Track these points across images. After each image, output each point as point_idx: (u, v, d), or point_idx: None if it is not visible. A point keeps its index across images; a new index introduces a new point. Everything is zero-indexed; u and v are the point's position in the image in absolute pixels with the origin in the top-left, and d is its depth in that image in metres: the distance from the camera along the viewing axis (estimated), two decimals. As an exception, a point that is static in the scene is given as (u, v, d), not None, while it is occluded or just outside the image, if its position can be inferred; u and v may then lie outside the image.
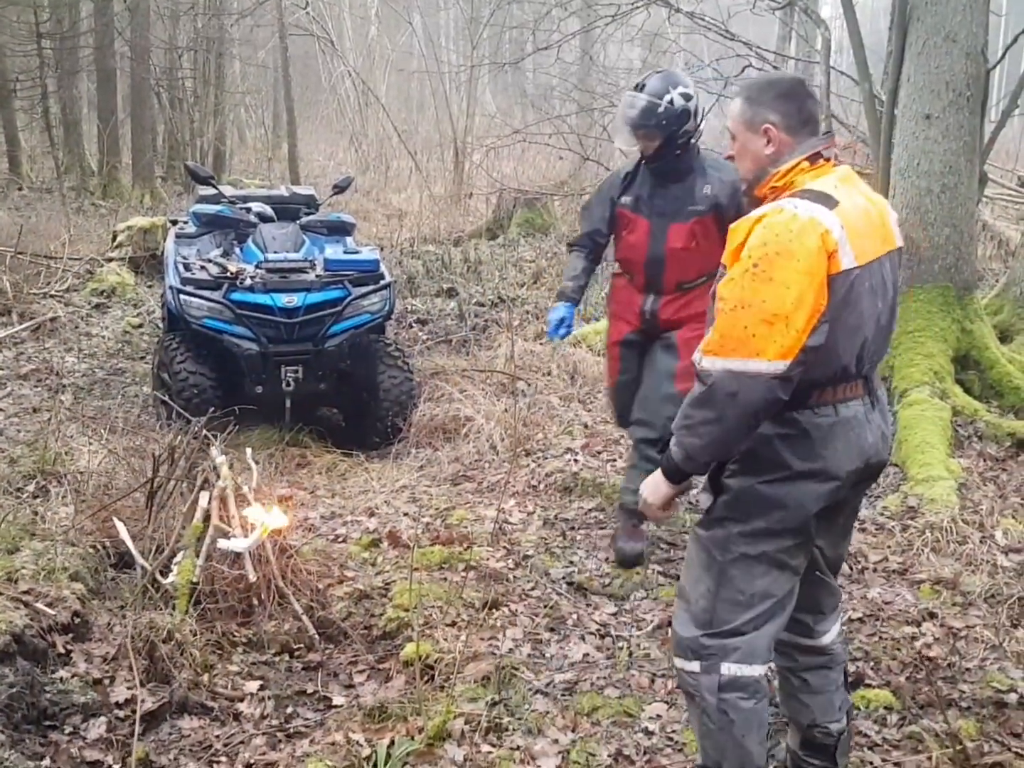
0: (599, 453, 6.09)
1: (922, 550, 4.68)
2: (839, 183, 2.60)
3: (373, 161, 19.79)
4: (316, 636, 4.03)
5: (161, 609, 3.90)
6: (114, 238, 11.52)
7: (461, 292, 10.84)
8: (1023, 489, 5.29)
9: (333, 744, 3.30)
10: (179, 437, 4.82)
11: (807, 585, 2.78)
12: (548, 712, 3.48)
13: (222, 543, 4.11)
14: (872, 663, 3.81)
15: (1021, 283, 6.94)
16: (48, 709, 3.36)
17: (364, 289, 6.86)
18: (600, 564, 4.75)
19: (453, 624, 4.07)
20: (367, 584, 4.41)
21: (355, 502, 5.51)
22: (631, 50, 19.78)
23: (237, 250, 7.26)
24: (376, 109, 20.31)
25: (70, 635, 3.77)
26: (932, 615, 4.13)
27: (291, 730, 3.51)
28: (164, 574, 4.10)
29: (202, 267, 6.83)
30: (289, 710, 3.63)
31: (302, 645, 4.01)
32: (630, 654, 3.89)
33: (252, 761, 3.31)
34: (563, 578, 4.59)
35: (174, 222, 8.27)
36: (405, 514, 5.26)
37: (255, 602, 4.10)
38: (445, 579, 4.47)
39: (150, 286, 10.60)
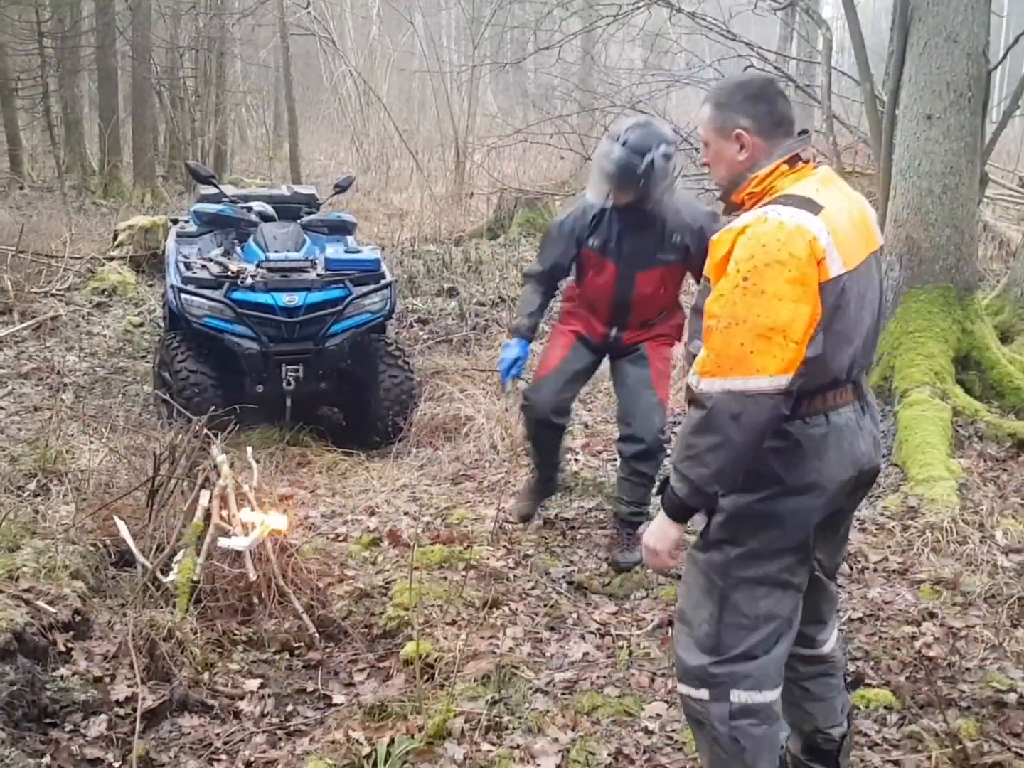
0: (599, 452, 6.09)
1: (922, 550, 4.68)
2: (820, 186, 2.51)
3: (374, 161, 19.79)
4: (316, 634, 4.03)
5: (162, 607, 3.91)
6: (115, 237, 11.52)
7: (462, 292, 10.84)
8: (1023, 489, 5.29)
9: (333, 742, 3.31)
10: (180, 436, 4.83)
11: (807, 595, 2.71)
12: (548, 711, 3.48)
13: (222, 541, 4.12)
14: (872, 663, 3.81)
15: (1022, 284, 6.94)
16: (49, 707, 3.37)
17: (365, 288, 6.87)
18: (600, 563, 4.75)
19: (453, 623, 4.08)
20: (367, 583, 4.42)
21: (355, 501, 5.51)
22: (632, 50, 19.82)
23: (238, 249, 7.27)
24: (377, 109, 20.30)
25: (71, 633, 3.77)
26: (932, 615, 4.13)
27: (291, 728, 3.51)
28: (165, 572, 4.11)
29: (203, 266, 6.83)
30: (289, 708, 3.64)
31: (302, 643, 4.01)
32: (630, 653, 3.89)
33: (252, 759, 3.31)
34: (563, 577, 4.60)
35: (175, 221, 8.28)
36: (405, 513, 5.27)
37: (255, 600, 4.11)
38: (445, 578, 4.48)
39: (151, 285, 10.60)
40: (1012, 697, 3.54)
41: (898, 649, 3.89)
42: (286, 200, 8.29)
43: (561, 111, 13.43)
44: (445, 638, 3.92)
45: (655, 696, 3.63)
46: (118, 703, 3.48)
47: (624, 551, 4.70)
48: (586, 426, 6.54)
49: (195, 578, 4.02)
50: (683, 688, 2.66)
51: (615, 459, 5.92)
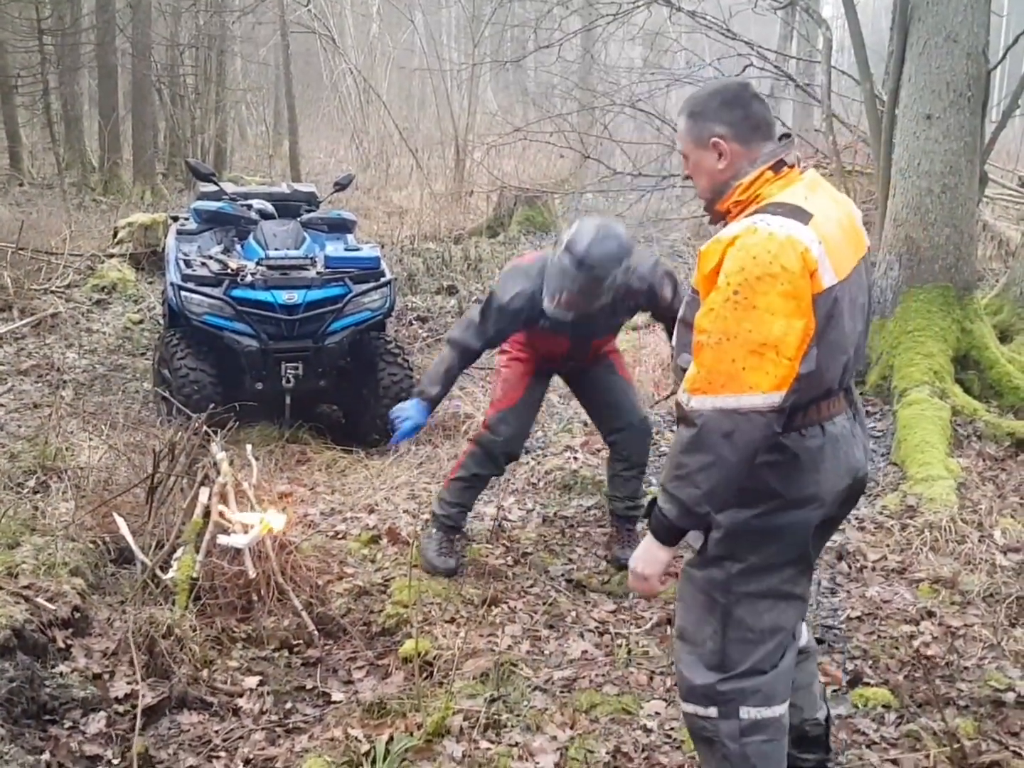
0: (598, 451, 6.09)
1: (921, 549, 4.69)
2: (808, 192, 2.44)
3: (374, 159, 19.79)
4: (315, 632, 4.03)
5: (161, 604, 3.91)
6: (115, 234, 11.52)
7: (461, 290, 10.85)
8: (1022, 489, 5.30)
9: (332, 740, 3.31)
10: (179, 433, 4.83)
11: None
12: (547, 709, 3.49)
13: (222, 539, 4.12)
14: (870, 661, 3.81)
15: (1021, 283, 6.95)
16: (48, 704, 3.37)
17: (365, 286, 6.88)
18: (599, 561, 4.75)
19: (452, 621, 4.08)
20: (366, 580, 4.42)
21: (355, 499, 5.52)
22: (632, 49, 19.79)
23: (238, 247, 7.28)
24: (377, 106, 20.30)
25: (70, 630, 3.78)
26: (931, 614, 4.14)
27: (290, 725, 3.52)
28: (164, 570, 4.11)
29: (203, 264, 6.83)
30: (288, 706, 3.64)
31: (301, 641, 4.01)
32: (629, 651, 3.90)
33: (251, 756, 3.31)
34: (562, 575, 4.60)
35: (175, 218, 8.28)
36: (405, 511, 5.27)
37: (255, 598, 4.11)
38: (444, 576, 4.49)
39: (151, 282, 10.60)
40: (1010, 696, 3.54)
41: (896, 648, 3.90)
42: (286, 198, 8.29)
43: (561, 109, 13.43)
44: (444, 636, 3.93)
45: (654, 694, 3.63)
46: (117, 700, 3.49)
47: (624, 547, 4.70)
48: (585, 424, 6.53)
49: (195, 575, 4.03)
50: (689, 707, 2.61)
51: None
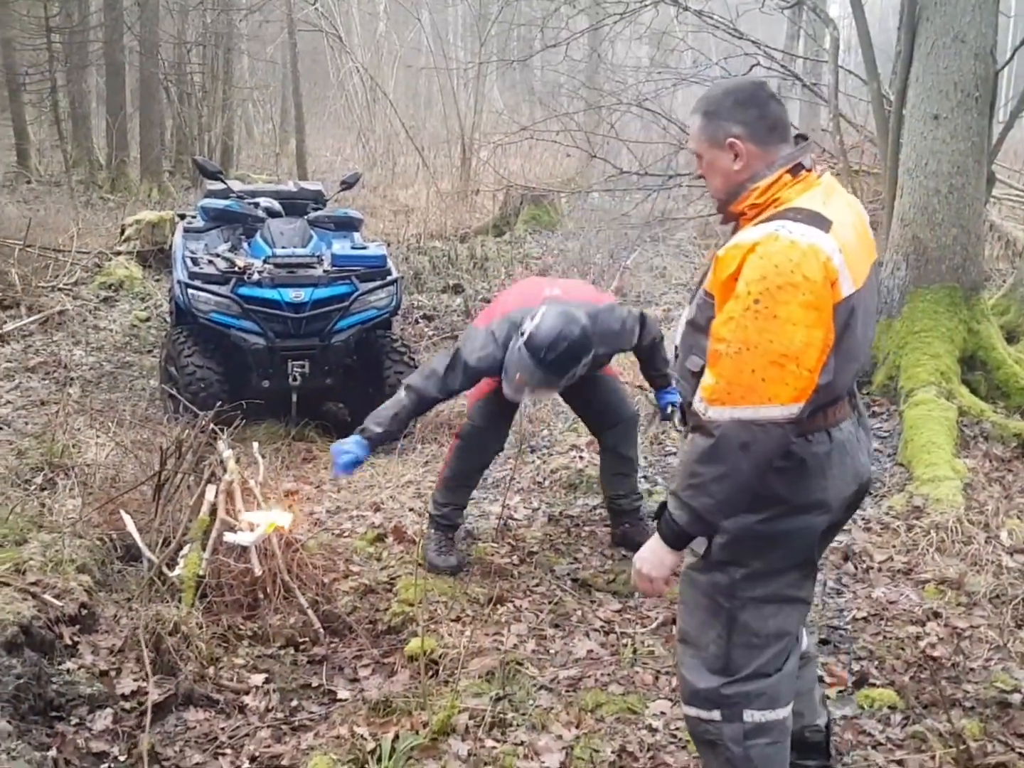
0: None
1: (927, 550, 4.68)
2: (826, 197, 2.40)
3: (380, 157, 19.79)
4: (321, 630, 4.04)
5: (167, 602, 3.92)
6: (122, 232, 11.56)
7: (467, 288, 10.86)
8: (1028, 490, 5.29)
9: (338, 737, 3.31)
10: (186, 431, 4.84)
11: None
12: (552, 708, 3.49)
13: (228, 537, 4.13)
14: (876, 662, 3.81)
15: (1028, 284, 6.94)
16: (55, 700, 3.38)
17: (371, 285, 6.89)
18: (605, 561, 4.75)
19: (458, 619, 4.08)
20: (372, 579, 4.42)
21: (360, 497, 5.52)
22: (639, 48, 19.76)
23: (245, 245, 7.29)
24: (384, 105, 20.32)
25: (77, 627, 3.79)
26: (936, 615, 4.13)
27: (296, 723, 3.52)
28: (171, 567, 4.12)
29: (210, 262, 6.85)
30: (294, 703, 3.65)
31: (307, 639, 4.02)
32: (634, 651, 3.90)
33: (257, 753, 3.32)
34: (568, 574, 4.60)
35: (182, 216, 8.30)
36: (410, 509, 5.27)
37: (261, 596, 4.12)
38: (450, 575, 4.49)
39: (158, 280, 10.62)
40: (1016, 697, 3.54)
41: (902, 649, 3.89)
42: (293, 196, 8.30)
43: (567, 108, 13.40)
44: (450, 634, 3.93)
45: (659, 694, 3.63)
46: (124, 697, 3.50)
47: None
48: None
49: (201, 573, 4.04)
50: (692, 710, 2.59)
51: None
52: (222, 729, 3.46)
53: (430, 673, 3.69)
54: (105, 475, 5.16)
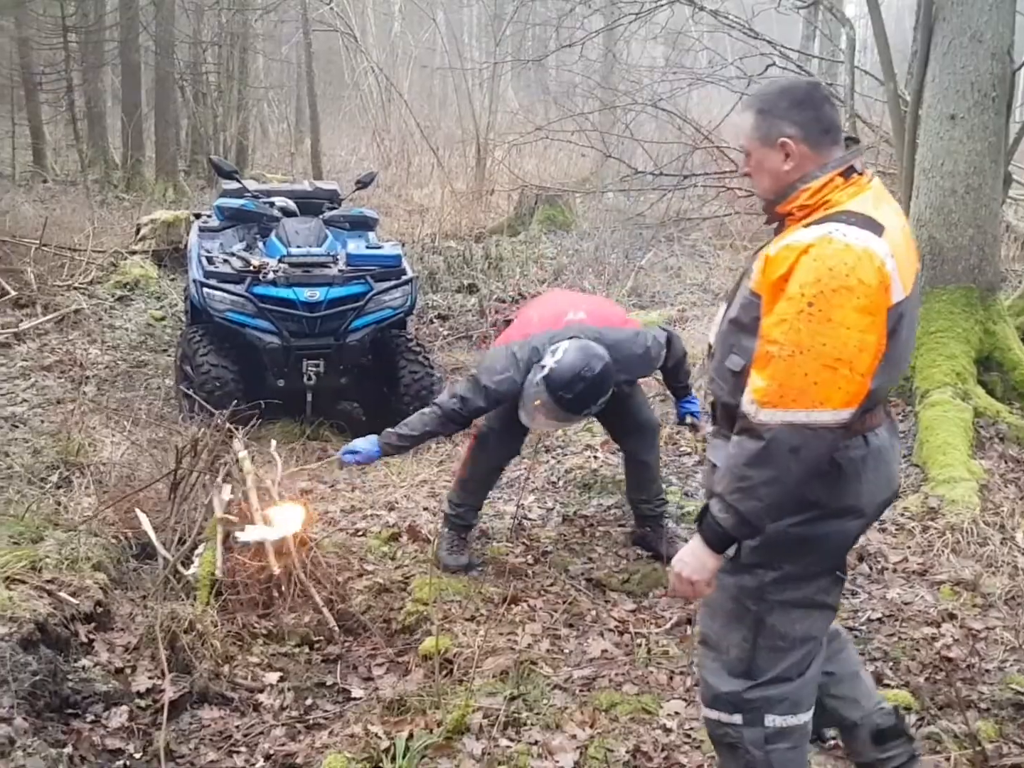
0: (618, 450, 6.07)
1: (942, 551, 4.67)
2: (876, 202, 2.38)
3: (395, 157, 19.80)
4: (336, 629, 4.05)
5: (183, 600, 3.93)
6: (137, 231, 11.60)
7: (482, 288, 10.86)
8: (1045, 491, 5.27)
9: (352, 736, 3.32)
10: (202, 429, 4.85)
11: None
12: (566, 707, 3.49)
13: (240, 536, 4.13)
14: (891, 663, 3.80)
15: (1045, 285, 6.90)
16: (70, 697, 3.40)
17: (386, 284, 6.91)
18: (619, 561, 4.75)
19: (472, 619, 4.09)
20: (386, 578, 4.43)
21: (375, 496, 5.53)
22: (654, 48, 19.73)
23: (260, 244, 7.31)
24: (399, 105, 20.33)
25: (93, 624, 3.81)
26: (952, 616, 4.12)
27: (310, 722, 3.53)
28: (186, 565, 4.13)
29: (225, 261, 6.87)
30: (308, 702, 3.66)
31: (322, 637, 4.03)
32: (648, 651, 3.89)
33: (272, 752, 3.33)
34: (582, 574, 4.60)
35: (198, 216, 8.33)
36: (425, 508, 5.28)
37: (276, 594, 4.13)
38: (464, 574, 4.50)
39: (173, 279, 10.65)
40: (1032, 699, 3.53)
41: (917, 650, 3.88)
42: (308, 195, 8.32)
43: (582, 108, 13.39)
44: (464, 634, 3.93)
45: (673, 694, 3.63)
46: (139, 694, 3.52)
47: (674, 546, 4.70)
48: (605, 424, 6.54)
49: (216, 572, 4.04)
50: (712, 713, 2.57)
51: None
52: (237, 727, 3.47)
53: (444, 672, 3.69)
54: (120, 473, 5.18)
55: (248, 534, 4.10)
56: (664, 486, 5.10)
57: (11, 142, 18.05)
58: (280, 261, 6.81)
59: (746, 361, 2.40)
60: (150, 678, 3.58)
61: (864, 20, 15.09)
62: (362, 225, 7.89)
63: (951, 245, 6.16)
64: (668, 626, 4.13)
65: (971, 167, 6.07)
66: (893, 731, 2.81)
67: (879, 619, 4.14)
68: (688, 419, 4.81)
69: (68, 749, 3.12)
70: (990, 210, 6.18)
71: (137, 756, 3.24)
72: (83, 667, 3.55)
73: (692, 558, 2.39)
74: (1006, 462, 5.53)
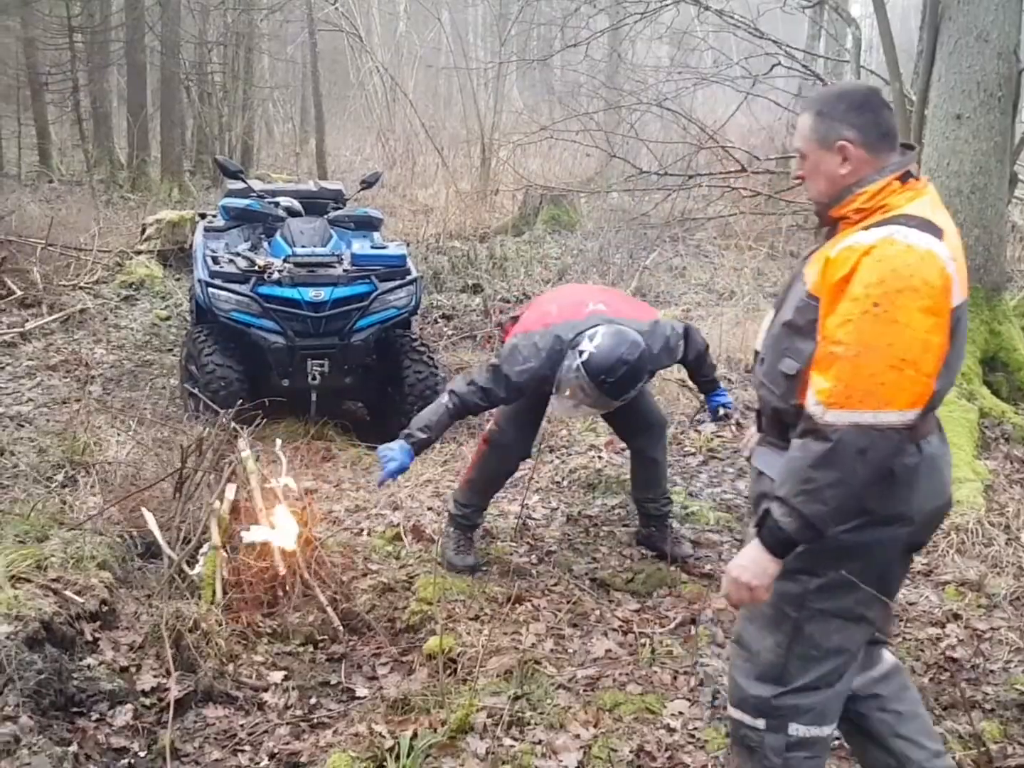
0: (623, 450, 6.07)
1: (947, 551, 4.66)
2: (933, 207, 2.39)
3: (400, 157, 19.81)
4: (340, 628, 4.05)
5: (187, 599, 3.93)
6: (143, 231, 11.61)
7: (487, 288, 10.86)
8: (1050, 492, 5.26)
9: (356, 735, 3.32)
10: (207, 429, 4.85)
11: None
12: (570, 707, 3.49)
13: (244, 535, 4.14)
14: (895, 663, 3.80)
15: (1050, 285, 6.90)
16: (76, 696, 3.40)
17: (391, 284, 6.90)
18: (623, 560, 4.75)
19: (476, 618, 4.09)
20: (391, 577, 4.43)
21: (379, 496, 5.53)
22: (659, 48, 19.76)
23: (265, 244, 7.31)
24: (404, 105, 20.32)
25: (98, 623, 3.82)
26: (957, 616, 4.12)
27: (315, 720, 3.54)
28: (191, 564, 4.14)
29: (230, 260, 6.87)
30: (313, 701, 3.66)
31: (326, 637, 4.04)
32: (652, 651, 3.89)
33: (276, 751, 3.33)
34: (586, 574, 4.60)
35: (203, 216, 8.32)
36: (429, 508, 5.28)
37: (280, 593, 4.13)
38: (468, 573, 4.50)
39: (178, 279, 10.67)
40: (1036, 700, 3.53)
41: (922, 650, 3.88)
42: (313, 195, 8.32)
43: (587, 108, 13.39)
44: (468, 633, 3.93)
45: (677, 694, 3.63)
46: (144, 693, 3.52)
47: (678, 546, 4.74)
48: (610, 423, 6.54)
49: (221, 572, 4.05)
50: (736, 713, 2.58)
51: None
52: (241, 726, 3.47)
53: (448, 671, 3.70)
54: (126, 473, 5.18)
55: (253, 534, 4.11)
56: (668, 486, 5.10)
57: (17, 142, 18.10)
58: (285, 261, 6.81)
59: (800, 364, 2.40)
60: (155, 677, 3.59)
61: (870, 20, 15.07)
62: (367, 225, 7.90)
63: (957, 245, 6.15)
64: (672, 626, 4.13)
65: (977, 167, 6.06)
66: None
67: (883, 619, 4.13)
68: (721, 411, 4.76)
69: (73, 747, 3.13)
70: (996, 210, 6.17)
71: (142, 754, 3.25)
72: (88, 666, 3.55)
73: (752, 563, 2.36)
74: (1011, 462, 5.53)
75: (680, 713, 3.49)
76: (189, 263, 9.36)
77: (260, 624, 4.01)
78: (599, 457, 5.92)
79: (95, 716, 3.37)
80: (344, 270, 6.85)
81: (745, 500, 5.36)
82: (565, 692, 3.59)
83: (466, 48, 22.57)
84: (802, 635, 2.46)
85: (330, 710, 3.62)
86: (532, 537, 4.99)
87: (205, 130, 19.44)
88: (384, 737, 3.27)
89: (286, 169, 19.91)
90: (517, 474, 5.70)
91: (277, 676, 3.75)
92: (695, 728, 3.40)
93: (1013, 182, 6.64)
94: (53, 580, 3.83)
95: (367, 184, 8.10)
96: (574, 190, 14.65)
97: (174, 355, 8.29)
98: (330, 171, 18.03)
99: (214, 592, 3.96)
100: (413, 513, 5.22)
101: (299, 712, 3.58)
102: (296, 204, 7.77)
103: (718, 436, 6.27)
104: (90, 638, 3.72)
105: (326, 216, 7.72)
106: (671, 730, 3.39)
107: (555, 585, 4.47)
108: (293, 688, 3.69)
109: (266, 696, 3.64)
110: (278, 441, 5.06)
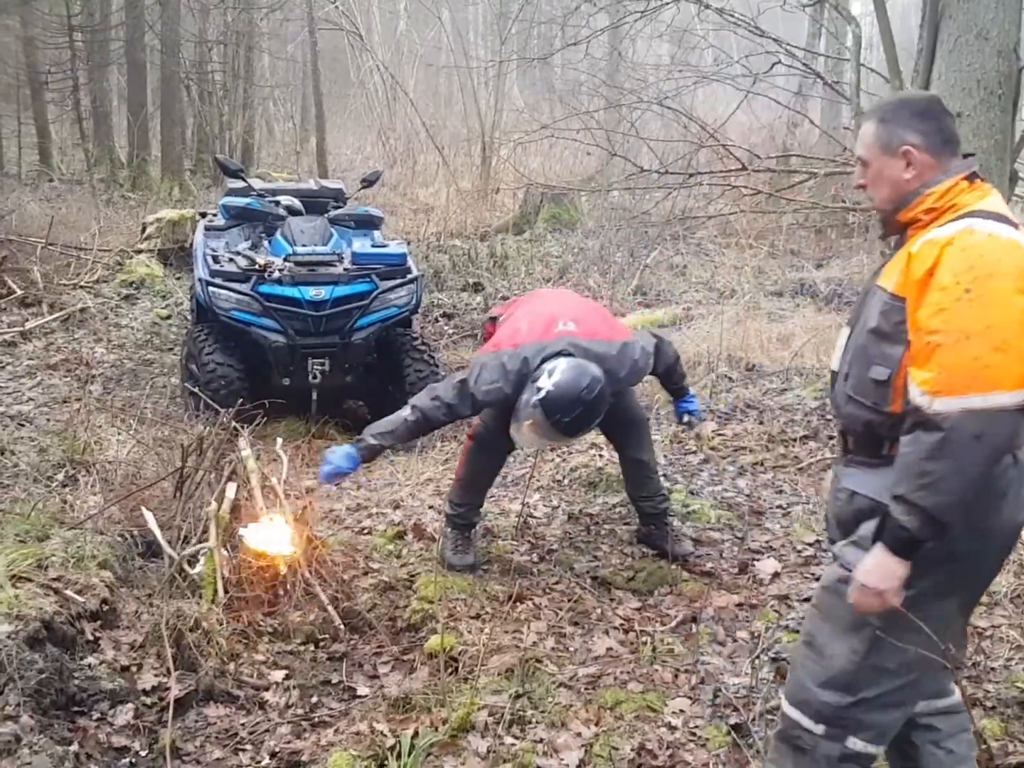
0: (622, 449, 6.09)
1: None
2: (1001, 205, 2.41)
3: (401, 155, 19.82)
4: (341, 627, 4.05)
5: (188, 598, 3.93)
6: (143, 230, 11.61)
7: (487, 286, 10.87)
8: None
9: (358, 734, 3.32)
10: (207, 428, 4.85)
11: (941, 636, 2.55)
12: (571, 705, 3.49)
13: (246, 538, 4.14)
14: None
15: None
16: (77, 695, 3.40)
17: (391, 283, 6.91)
18: (624, 559, 4.75)
19: (477, 617, 4.09)
20: (392, 576, 4.43)
21: (380, 494, 5.54)
22: (660, 46, 19.75)
23: (265, 243, 7.32)
24: (404, 103, 20.33)
25: (98, 622, 3.81)
26: (957, 615, 4.11)
27: (316, 719, 3.53)
28: (191, 563, 4.14)
29: (231, 259, 6.88)
30: (314, 700, 3.66)
31: (327, 635, 4.03)
32: (654, 649, 3.89)
33: (277, 749, 3.33)
34: (587, 572, 4.60)
35: (203, 215, 8.33)
36: (430, 507, 5.28)
37: (281, 592, 4.13)
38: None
39: (179, 278, 10.67)
40: (1037, 698, 3.52)
41: (923, 648, 3.87)
42: (313, 194, 8.34)
43: (588, 107, 13.36)
44: (469, 632, 3.93)
45: (678, 692, 3.63)
46: (145, 692, 3.52)
47: (679, 544, 4.73)
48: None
49: (222, 571, 4.05)
50: (794, 713, 2.55)
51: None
52: (242, 725, 3.47)
53: (449, 670, 3.70)
54: (126, 472, 5.18)
55: (251, 537, 4.11)
56: (669, 485, 5.10)
57: (17, 141, 18.10)
58: (285, 260, 6.82)
59: (891, 370, 2.39)
60: (156, 676, 3.59)
61: (870, 18, 15.07)
62: (367, 224, 7.91)
63: (957, 243, 6.14)
64: (673, 624, 4.13)
65: (977, 165, 6.05)
66: None
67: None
68: (686, 418, 4.80)
69: (74, 747, 3.13)
70: (996, 208, 6.16)
71: (143, 754, 3.25)
72: (89, 665, 3.55)
73: (877, 567, 2.33)
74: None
75: (681, 711, 3.49)
76: (189, 262, 9.36)
77: (261, 623, 4.01)
78: (600, 455, 5.91)
79: (96, 715, 3.37)
80: (345, 269, 6.85)
81: (747, 498, 5.37)
82: (566, 690, 3.59)
83: (466, 47, 22.57)
84: (880, 645, 2.41)
85: (331, 709, 3.62)
86: (533, 535, 4.99)
87: (205, 129, 19.44)
88: (385, 736, 3.27)
89: (287, 168, 19.92)
90: (518, 472, 5.73)
91: (278, 675, 3.75)
92: (696, 726, 3.40)
93: (1013, 180, 6.62)
94: (54, 579, 3.83)
95: (368, 183, 8.10)
96: (575, 188, 14.64)
97: (174, 354, 8.29)
98: (331, 170, 18.03)
99: (214, 591, 3.96)
100: (414, 512, 5.22)
101: (300, 711, 3.57)
102: (297, 203, 7.77)
103: (719, 434, 6.27)
104: (91, 637, 3.72)
105: (327, 215, 7.73)
106: (672, 728, 3.39)
107: (556, 583, 4.47)
108: (294, 687, 3.69)
109: (267, 695, 3.64)
110: (279, 440, 5.06)
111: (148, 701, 3.49)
